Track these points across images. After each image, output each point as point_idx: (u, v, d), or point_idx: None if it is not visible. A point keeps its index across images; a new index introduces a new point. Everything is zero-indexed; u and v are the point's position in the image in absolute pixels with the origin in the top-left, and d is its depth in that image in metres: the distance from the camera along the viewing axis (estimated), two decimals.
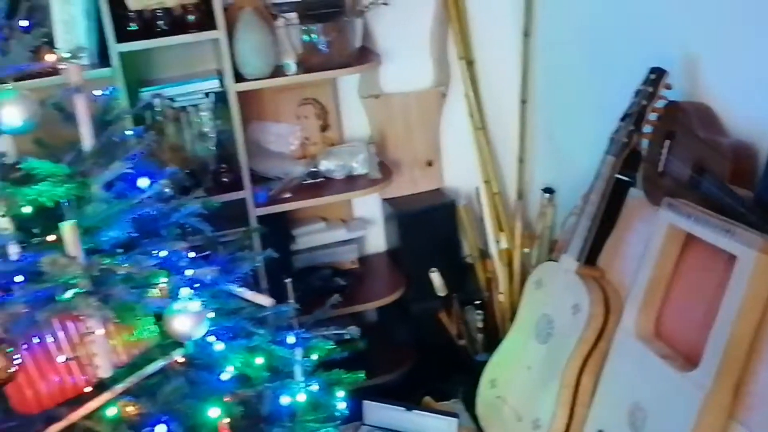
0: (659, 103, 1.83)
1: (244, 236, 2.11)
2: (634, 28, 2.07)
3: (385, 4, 2.48)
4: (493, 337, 2.54)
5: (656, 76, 1.83)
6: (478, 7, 2.69)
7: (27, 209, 1.47)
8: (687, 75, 1.86)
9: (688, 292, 1.69)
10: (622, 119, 1.89)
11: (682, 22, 1.88)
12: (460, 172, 2.87)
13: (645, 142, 1.88)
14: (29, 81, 1.80)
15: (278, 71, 2.41)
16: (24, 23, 1.63)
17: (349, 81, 2.72)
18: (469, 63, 2.70)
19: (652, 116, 1.84)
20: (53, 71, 2.00)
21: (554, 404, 1.89)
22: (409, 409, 2.27)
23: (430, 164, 2.84)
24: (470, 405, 2.30)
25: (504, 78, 2.75)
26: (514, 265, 2.68)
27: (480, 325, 2.66)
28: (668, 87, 1.82)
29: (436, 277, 2.57)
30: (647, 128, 1.85)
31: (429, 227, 2.75)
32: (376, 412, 2.28)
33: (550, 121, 2.67)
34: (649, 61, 1.86)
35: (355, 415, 2.21)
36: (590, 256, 1.96)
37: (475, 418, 2.26)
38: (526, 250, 2.65)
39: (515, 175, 2.79)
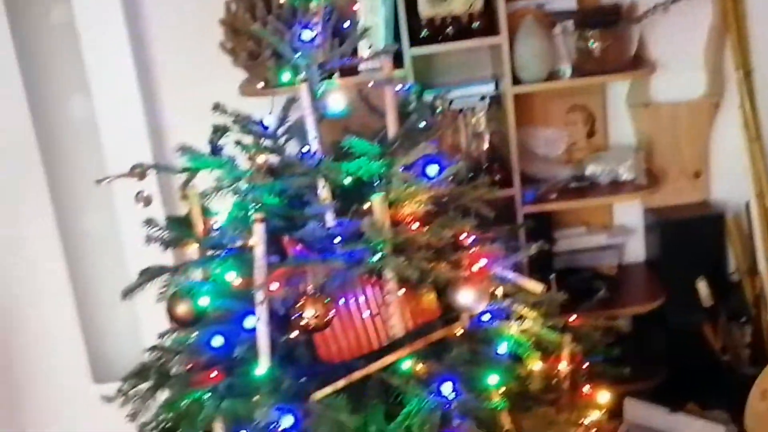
0: None
1: (512, 231, 2.23)
2: None
3: (665, 10, 2.50)
4: (761, 353, 2.45)
5: None
6: (759, 16, 2.63)
7: (347, 181, 1.70)
8: None
9: None
10: None
11: None
12: (729, 184, 2.79)
13: None
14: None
15: (553, 76, 2.52)
16: (346, 24, 1.89)
17: (618, 89, 2.76)
18: (747, 73, 2.64)
19: None
20: (355, 70, 2.29)
21: None
22: (673, 410, 2.25)
23: (697, 175, 2.79)
24: (735, 417, 2.24)
25: None
26: None
27: (748, 340, 2.57)
28: None
29: (703, 287, 2.53)
30: None
31: (693, 239, 2.70)
32: (637, 410, 2.28)
33: None
34: None
35: (615, 411, 2.23)
36: None
37: (741, 429, 2.20)
38: None
39: None
